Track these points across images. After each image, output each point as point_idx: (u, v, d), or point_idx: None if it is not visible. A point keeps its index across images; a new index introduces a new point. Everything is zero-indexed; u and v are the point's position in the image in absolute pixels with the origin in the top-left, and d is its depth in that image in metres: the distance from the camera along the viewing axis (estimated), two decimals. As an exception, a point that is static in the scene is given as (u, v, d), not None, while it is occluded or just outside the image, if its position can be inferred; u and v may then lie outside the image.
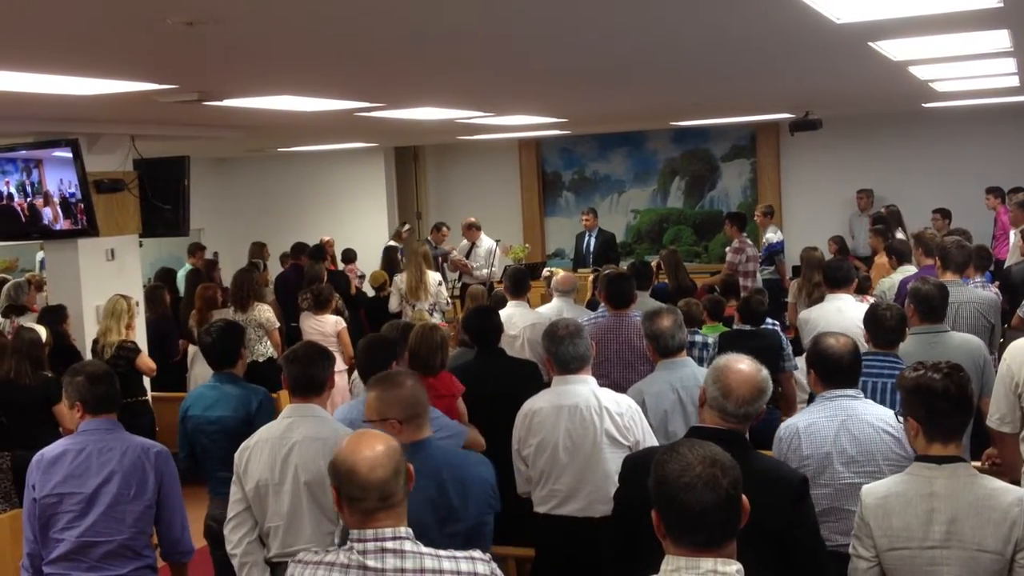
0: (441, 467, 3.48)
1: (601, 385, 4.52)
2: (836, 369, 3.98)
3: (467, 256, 12.36)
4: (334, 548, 2.73)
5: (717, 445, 2.46)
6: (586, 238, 12.67)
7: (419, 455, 3.39)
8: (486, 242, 12.40)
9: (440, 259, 12.29)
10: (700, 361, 6.68)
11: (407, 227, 14.08)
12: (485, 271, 12.06)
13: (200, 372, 8.78)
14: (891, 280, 7.46)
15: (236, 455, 4.15)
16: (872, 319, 4.86)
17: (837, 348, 3.98)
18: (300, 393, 4.20)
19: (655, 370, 4.96)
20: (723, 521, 2.31)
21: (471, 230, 12.41)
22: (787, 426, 3.99)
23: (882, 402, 4.53)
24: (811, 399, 4.28)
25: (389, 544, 2.61)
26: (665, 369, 4.84)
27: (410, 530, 2.67)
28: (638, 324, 6.27)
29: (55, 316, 7.27)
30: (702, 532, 2.30)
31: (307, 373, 4.23)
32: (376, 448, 2.66)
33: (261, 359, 8.46)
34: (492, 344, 5.75)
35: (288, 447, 4.05)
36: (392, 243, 12.92)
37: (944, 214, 11.89)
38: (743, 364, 3.28)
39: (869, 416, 3.88)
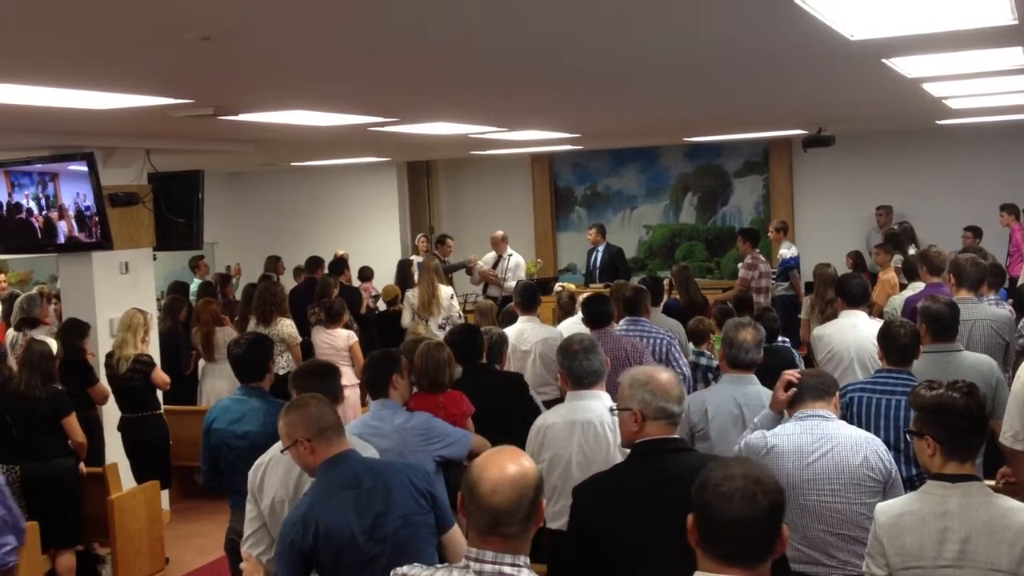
0: (362, 475, 3.52)
1: None
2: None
3: (495, 267, 12.37)
4: (444, 566, 2.65)
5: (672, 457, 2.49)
6: (594, 254, 12.68)
7: (335, 469, 3.52)
8: (514, 256, 12.42)
9: (465, 270, 12.42)
10: (704, 382, 6.70)
11: (421, 236, 14.18)
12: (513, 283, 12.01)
13: (211, 386, 8.80)
14: (902, 297, 7.43)
15: (250, 472, 4.13)
16: (885, 336, 4.83)
17: None
18: None
19: (720, 382, 4.92)
20: (753, 540, 2.30)
21: (501, 243, 12.42)
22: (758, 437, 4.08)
23: (895, 419, 4.53)
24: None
25: (507, 569, 2.49)
26: (731, 382, 4.74)
27: (527, 559, 2.54)
28: (618, 338, 6.42)
29: (77, 330, 7.25)
30: (729, 544, 2.29)
31: (320, 386, 4.23)
32: (506, 470, 2.52)
33: (281, 372, 8.47)
34: (474, 361, 5.79)
35: None
36: (410, 258, 12.97)
37: (975, 232, 11.83)
38: (661, 372, 3.39)
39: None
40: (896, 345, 4.77)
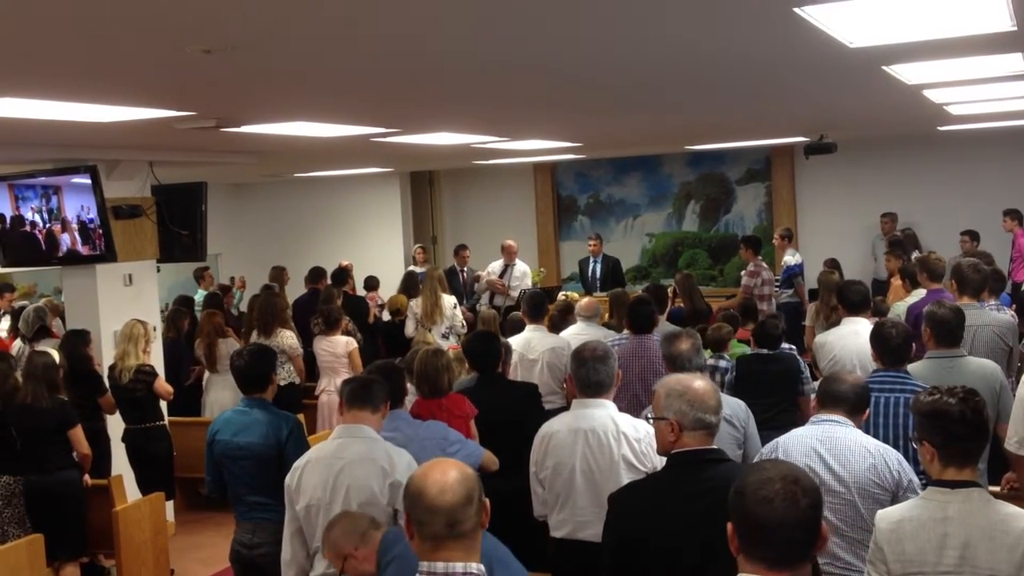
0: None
1: (624, 404, 4.51)
2: None
3: (501, 276, 12.36)
4: None
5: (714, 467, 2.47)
6: (591, 264, 12.67)
7: (397, 546, 3.52)
8: (519, 265, 12.43)
9: (472, 280, 12.46)
10: (720, 386, 6.68)
11: (417, 247, 14.20)
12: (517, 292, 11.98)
13: (215, 397, 8.81)
14: (905, 304, 7.42)
15: (288, 476, 4.20)
16: (878, 337, 4.86)
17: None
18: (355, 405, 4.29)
19: None
20: (797, 540, 2.29)
21: (512, 253, 12.40)
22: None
23: (894, 417, 4.54)
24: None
25: (459, 569, 2.50)
26: None
27: (483, 567, 2.55)
28: (659, 346, 6.33)
29: (78, 339, 7.26)
30: (773, 548, 2.29)
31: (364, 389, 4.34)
32: (448, 473, 2.57)
33: (283, 383, 8.46)
34: (491, 369, 5.78)
35: (339, 467, 4.11)
36: (414, 268, 12.98)
37: (972, 236, 11.83)
38: (696, 380, 3.35)
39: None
40: (889, 346, 4.79)
